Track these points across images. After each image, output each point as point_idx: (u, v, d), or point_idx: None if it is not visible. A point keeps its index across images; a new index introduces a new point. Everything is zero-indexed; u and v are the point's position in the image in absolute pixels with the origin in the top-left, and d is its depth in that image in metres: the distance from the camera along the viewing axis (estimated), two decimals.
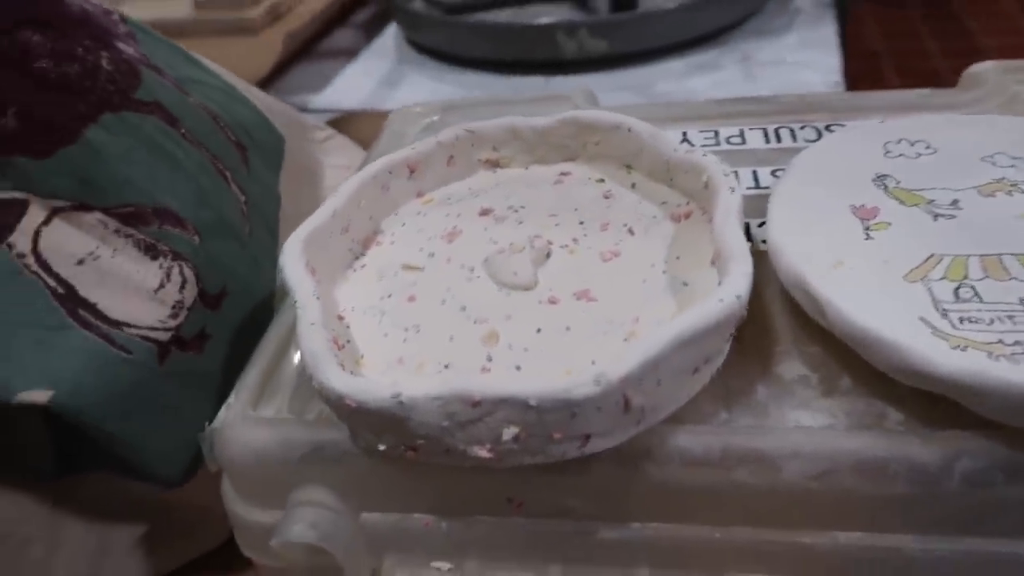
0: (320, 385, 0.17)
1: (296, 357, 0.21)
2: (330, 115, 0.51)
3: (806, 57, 0.51)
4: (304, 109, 0.54)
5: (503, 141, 0.25)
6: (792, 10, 0.58)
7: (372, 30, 0.65)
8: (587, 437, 0.16)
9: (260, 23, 0.56)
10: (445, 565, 0.19)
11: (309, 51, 0.62)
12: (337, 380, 0.16)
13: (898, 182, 0.22)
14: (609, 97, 0.49)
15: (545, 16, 0.56)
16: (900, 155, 0.23)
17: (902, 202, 0.21)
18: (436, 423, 0.16)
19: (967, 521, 0.16)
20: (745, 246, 0.18)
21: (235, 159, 0.29)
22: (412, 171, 0.25)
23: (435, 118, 0.31)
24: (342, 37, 0.65)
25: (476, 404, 0.15)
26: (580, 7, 0.57)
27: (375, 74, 0.58)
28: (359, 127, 0.48)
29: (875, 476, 0.16)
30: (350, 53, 0.61)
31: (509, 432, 0.16)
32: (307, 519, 0.18)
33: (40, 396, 0.20)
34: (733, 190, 0.20)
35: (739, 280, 0.17)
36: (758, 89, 0.49)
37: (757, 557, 0.17)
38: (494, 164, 0.26)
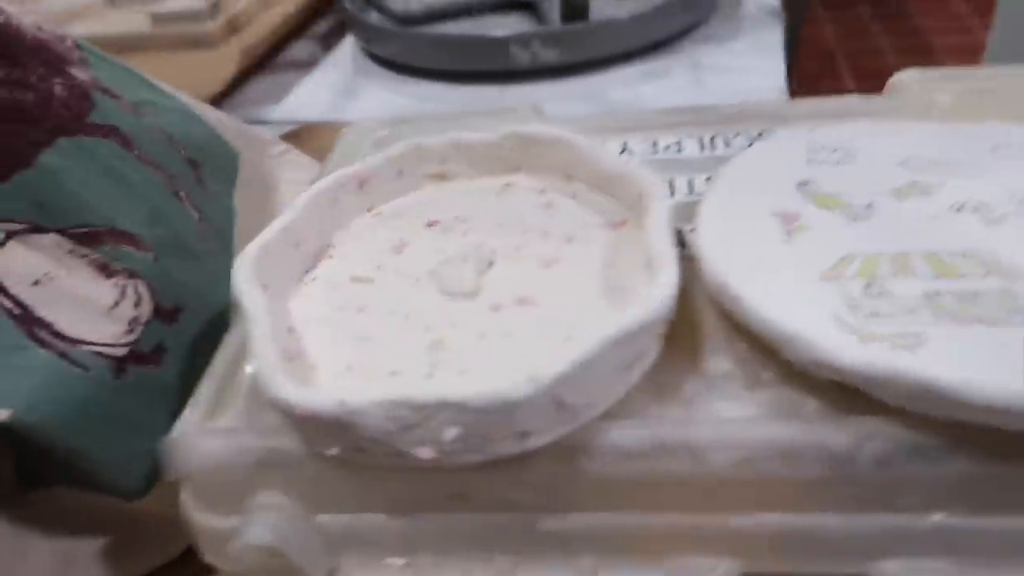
0: (270, 396, 0.18)
1: (250, 368, 0.22)
2: (288, 127, 0.52)
3: (752, 63, 0.53)
4: (262, 121, 0.54)
5: (449, 155, 0.26)
6: (739, 17, 0.59)
7: (329, 42, 0.66)
8: (524, 434, 0.17)
9: (218, 37, 0.56)
10: (399, 561, 0.20)
11: (267, 63, 0.62)
12: (286, 391, 0.17)
13: (819, 187, 0.23)
14: (562, 106, 0.51)
15: (498, 27, 0.57)
16: (822, 162, 0.24)
17: (821, 206, 0.22)
18: (381, 427, 0.17)
19: (876, 498, 0.17)
20: (673, 252, 0.20)
21: (189, 177, 0.29)
22: (361, 185, 0.26)
23: (385, 133, 0.32)
24: (300, 49, 0.65)
25: (418, 408, 0.16)
26: (533, 18, 0.58)
27: (333, 85, 0.59)
28: (317, 139, 0.49)
29: (792, 461, 0.17)
30: (308, 65, 0.62)
31: (450, 433, 0.17)
32: (264, 522, 0.19)
33: (0, 415, 0.21)
34: (663, 200, 0.21)
35: (666, 284, 0.19)
36: (707, 95, 0.50)
37: (691, 540, 0.18)
38: (441, 177, 0.27)
